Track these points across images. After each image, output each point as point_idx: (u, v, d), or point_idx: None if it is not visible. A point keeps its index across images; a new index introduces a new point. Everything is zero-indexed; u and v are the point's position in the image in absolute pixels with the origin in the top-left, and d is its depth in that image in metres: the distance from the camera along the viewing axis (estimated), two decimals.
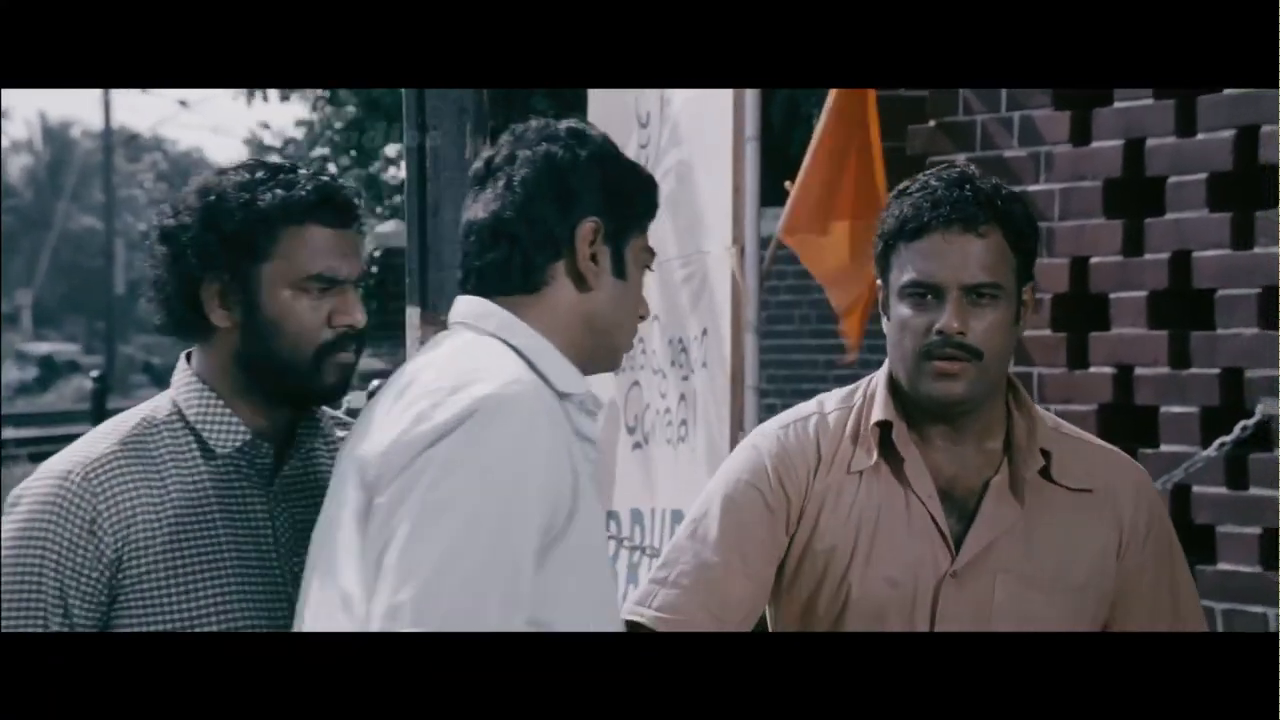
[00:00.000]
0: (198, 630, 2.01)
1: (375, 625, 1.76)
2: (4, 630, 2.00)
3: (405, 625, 1.75)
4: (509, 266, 1.94)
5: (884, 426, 2.23)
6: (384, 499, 1.81)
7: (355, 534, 1.84)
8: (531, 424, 1.82)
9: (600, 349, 1.97)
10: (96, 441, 2.08)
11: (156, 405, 2.12)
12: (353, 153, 14.32)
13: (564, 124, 2.00)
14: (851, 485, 2.23)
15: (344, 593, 1.83)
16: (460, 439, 1.79)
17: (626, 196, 1.97)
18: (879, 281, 2.26)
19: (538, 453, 1.81)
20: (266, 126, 15.66)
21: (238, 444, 2.09)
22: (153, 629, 2.01)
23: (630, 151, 4.44)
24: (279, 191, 2.06)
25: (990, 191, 2.20)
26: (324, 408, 2.18)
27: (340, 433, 2.15)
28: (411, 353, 3.33)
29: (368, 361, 11.50)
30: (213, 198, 2.08)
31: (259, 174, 2.09)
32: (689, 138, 4.31)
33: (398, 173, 15.21)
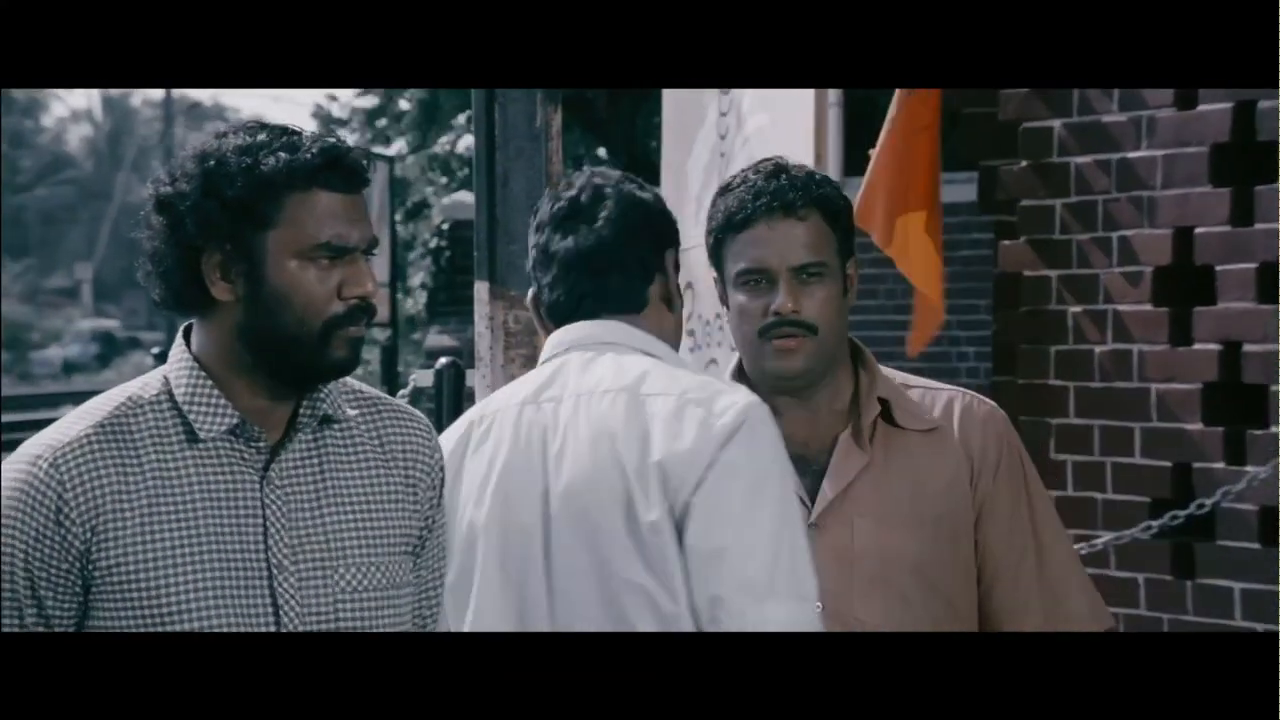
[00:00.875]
0: (168, 624, 1.96)
1: (727, 604, 2.13)
2: None
3: (763, 596, 2.13)
4: (622, 290, 2.31)
5: None
6: (692, 499, 2.17)
7: (635, 536, 2.18)
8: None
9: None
10: (73, 423, 2.03)
11: (147, 383, 2.07)
12: (424, 126, 14.36)
13: (618, 171, 2.38)
14: None
15: (646, 591, 2.17)
16: (745, 439, 2.18)
17: (676, 233, 2.37)
18: (714, 275, 2.52)
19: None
20: (334, 98, 15.80)
21: (224, 428, 2.02)
22: (122, 623, 1.97)
23: (710, 119, 4.43)
24: (283, 155, 1.99)
25: (805, 178, 2.49)
26: (346, 380, 2.11)
27: (352, 410, 2.12)
28: (480, 329, 3.33)
29: (434, 339, 11.56)
30: (212, 163, 2.00)
31: (261, 136, 2.02)
32: (771, 103, 4.29)
33: (467, 143, 15.25)
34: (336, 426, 2.10)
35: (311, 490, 2.06)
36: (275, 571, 2.02)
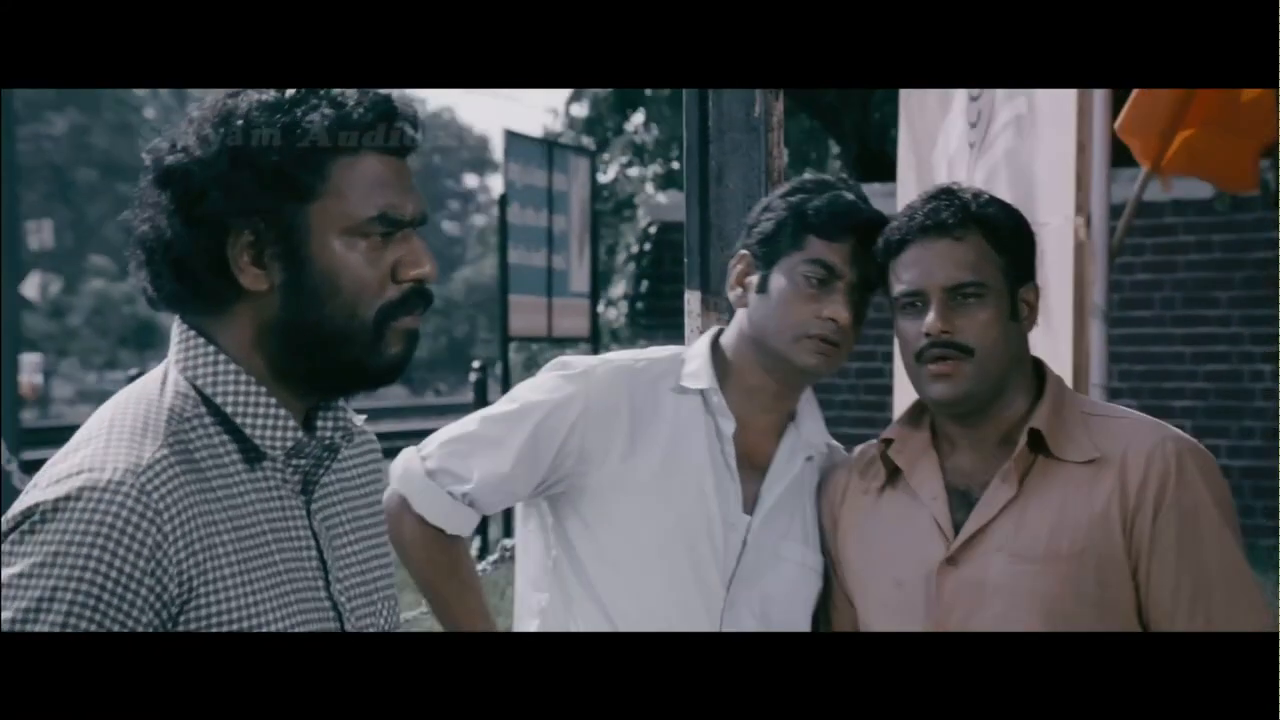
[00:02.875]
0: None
1: None
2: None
3: None
4: None
5: (887, 443, 2.73)
6: None
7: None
8: (560, 386, 2.75)
9: (766, 356, 2.73)
10: (134, 440, 1.83)
11: (177, 393, 1.90)
12: (630, 111, 14.43)
13: None
14: (869, 503, 2.74)
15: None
16: None
17: (772, 232, 2.73)
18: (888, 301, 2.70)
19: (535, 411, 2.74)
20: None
21: (290, 444, 1.90)
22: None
23: (957, 105, 4.41)
24: (328, 110, 1.87)
25: (966, 199, 2.66)
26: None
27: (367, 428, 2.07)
28: (690, 341, 3.37)
29: None
30: (240, 122, 1.86)
31: (292, 92, 1.89)
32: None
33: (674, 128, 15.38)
34: (353, 451, 2.05)
35: (345, 521, 2.01)
36: (343, 615, 1.95)
